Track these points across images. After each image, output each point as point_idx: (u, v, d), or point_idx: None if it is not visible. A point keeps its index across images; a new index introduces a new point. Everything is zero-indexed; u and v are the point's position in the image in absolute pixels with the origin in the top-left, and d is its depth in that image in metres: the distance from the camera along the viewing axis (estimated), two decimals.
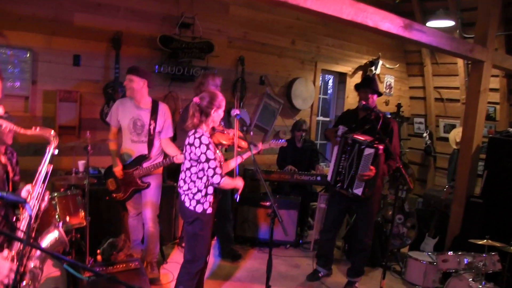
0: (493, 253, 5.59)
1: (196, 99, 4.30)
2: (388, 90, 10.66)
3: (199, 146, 4.15)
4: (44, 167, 3.17)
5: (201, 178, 4.24)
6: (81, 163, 5.98)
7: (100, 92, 6.50)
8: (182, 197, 4.38)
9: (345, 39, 9.60)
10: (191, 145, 4.21)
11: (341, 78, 10.01)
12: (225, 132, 4.75)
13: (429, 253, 6.28)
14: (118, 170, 5.49)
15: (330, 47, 9.37)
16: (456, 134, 9.06)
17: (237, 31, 7.91)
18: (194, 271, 4.43)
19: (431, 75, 10.39)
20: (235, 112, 4.64)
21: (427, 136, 10.44)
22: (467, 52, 6.17)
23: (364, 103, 5.58)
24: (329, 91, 10.55)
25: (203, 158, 4.15)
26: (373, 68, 9.94)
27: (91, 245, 5.31)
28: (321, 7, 4.24)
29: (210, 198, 4.31)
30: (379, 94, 5.82)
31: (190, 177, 4.29)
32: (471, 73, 6.81)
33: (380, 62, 10.03)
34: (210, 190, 4.30)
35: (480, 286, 5.27)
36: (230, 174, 4.52)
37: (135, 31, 6.74)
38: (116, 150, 5.57)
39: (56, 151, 3.22)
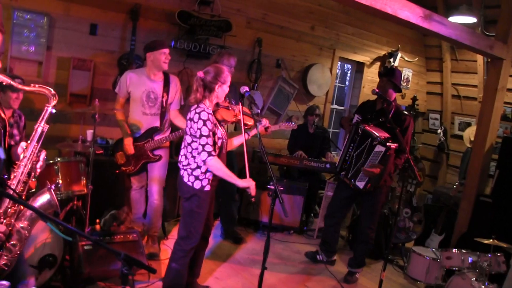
0: (498, 254, 5.53)
1: (200, 73, 4.22)
2: (405, 84, 10.54)
3: (197, 121, 4.07)
4: (40, 126, 3.13)
5: (199, 154, 4.15)
6: (89, 132, 5.97)
7: (114, 63, 6.48)
8: (181, 172, 4.32)
9: (365, 29, 9.49)
10: (191, 120, 4.14)
11: (358, 67, 9.91)
12: (230, 108, 4.62)
13: (434, 250, 6.22)
14: (129, 141, 5.43)
15: (350, 36, 9.27)
16: (470, 133, 8.94)
17: (257, 12, 7.84)
18: (188, 248, 4.35)
19: (450, 71, 10.24)
20: (244, 89, 4.57)
21: (441, 133, 10.33)
22: (487, 48, 6.08)
23: (377, 90, 5.48)
24: (347, 81, 10.45)
25: (197, 133, 4.08)
26: (391, 60, 9.83)
27: (93, 215, 5.32)
28: None
29: (209, 175, 4.23)
30: (398, 90, 5.70)
31: (191, 152, 4.21)
32: (490, 70, 6.72)
33: (399, 55, 9.90)
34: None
35: (483, 287, 5.21)
36: (242, 175, 4.36)
37: (154, 4, 6.69)
38: (124, 120, 5.52)
39: (54, 110, 3.16)
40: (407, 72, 10.49)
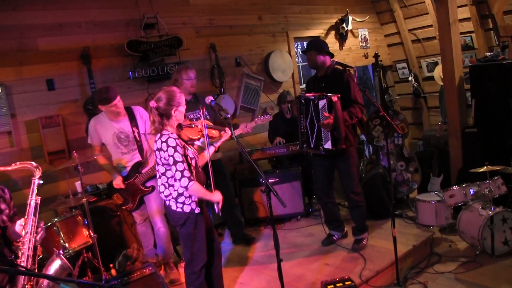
0: (496, 178, 5.66)
1: (152, 103, 4.16)
2: (364, 43, 10.64)
3: (167, 150, 4.02)
4: (33, 199, 3.19)
5: (179, 180, 4.10)
6: (77, 184, 6.00)
7: (81, 111, 6.48)
8: (167, 202, 4.28)
9: (311, 3, 9.55)
10: (159, 150, 4.08)
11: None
12: (194, 125, 4.54)
13: (436, 192, 6.33)
14: (118, 181, 5.51)
15: (298, 14, 9.34)
16: (440, 71, 9.04)
17: (202, 19, 7.88)
18: (197, 269, 4.33)
19: (403, 18, 10.35)
20: (209, 99, 4.62)
21: (413, 79, 10.45)
22: None
23: (336, 60, 5.61)
24: None
25: (171, 160, 4.02)
26: (344, 25, 9.92)
27: (106, 260, 5.40)
28: None
29: (194, 198, 4.20)
30: (327, 53, 5.83)
31: (167, 181, 4.19)
32: (437, 7, 6.84)
33: (350, 18, 9.98)
34: None
35: (490, 212, 5.35)
36: (209, 187, 4.40)
37: (101, 43, 6.71)
38: (107, 164, 5.61)
39: (41, 181, 3.24)
40: (363, 32, 10.59)
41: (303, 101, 5.67)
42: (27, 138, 6.12)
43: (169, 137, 4.06)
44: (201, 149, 4.81)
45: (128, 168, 5.57)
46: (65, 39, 6.41)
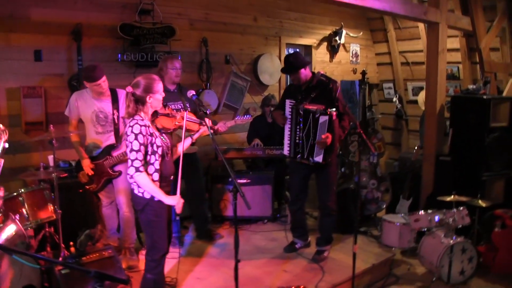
0: (461, 208, 5.76)
1: (128, 88, 4.13)
2: (354, 59, 10.75)
3: (129, 135, 4.00)
4: None
5: (128, 167, 4.05)
6: (50, 158, 6.00)
7: (65, 86, 6.48)
8: (131, 185, 4.24)
9: (307, 12, 9.63)
10: (126, 133, 4.08)
11: (306, 50, 10.01)
12: (171, 115, 4.50)
13: (403, 215, 6.41)
14: (86, 163, 5.52)
15: (293, 21, 9.41)
16: (424, 96, 9.17)
17: (198, 12, 7.92)
18: (158, 257, 4.31)
19: (395, 40, 10.50)
20: (191, 93, 4.64)
21: (397, 101, 10.57)
22: (422, 15, 6.32)
23: (322, 72, 5.69)
24: None
25: (128, 146, 3.99)
26: (337, 38, 10.02)
27: (69, 238, 5.40)
28: None
29: (156, 184, 4.14)
30: (304, 64, 5.81)
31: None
32: (428, 35, 6.96)
33: (344, 32, 10.08)
34: (156, 176, 4.16)
35: (452, 241, 5.45)
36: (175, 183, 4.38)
37: (95, 21, 6.72)
38: (78, 142, 5.61)
39: (7, 145, 3.24)
40: (355, 48, 10.71)
41: (301, 112, 5.67)
42: (6, 105, 6.12)
43: (136, 123, 4.03)
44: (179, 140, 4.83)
45: (101, 149, 5.58)
46: (58, 13, 6.40)
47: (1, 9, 5.96)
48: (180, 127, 4.45)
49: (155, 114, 4.34)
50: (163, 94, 4.30)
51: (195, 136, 4.65)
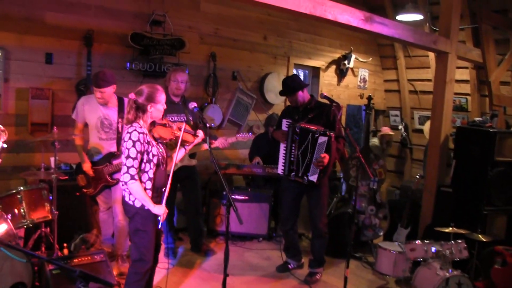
0: (459, 241, 5.69)
1: (131, 95, 4.16)
2: (362, 84, 10.75)
3: (127, 141, 4.01)
4: None
5: (122, 174, 4.04)
6: (52, 159, 6.01)
7: (72, 89, 6.56)
8: (123, 192, 4.26)
9: (317, 34, 9.68)
10: (123, 140, 4.08)
11: (314, 72, 10.05)
12: (168, 126, 4.47)
13: (399, 243, 6.35)
14: (87, 167, 5.55)
15: (302, 42, 9.44)
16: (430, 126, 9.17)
17: (209, 27, 7.97)
18: (143, 271, 4.25)
19: (404, 68, 10.50)
20: (192, 105, 4.64)
21: (403, 129, 10.56)
22: (431, 44, 6.29)
23: (325, 94, 5.69)
24: None
25: (125, 153, 4.00)
26: (346, 62, 10.03)
27: (64, 240, 5.46)
28: (278, 1, 4.31)
29: (148, 193, 4.14)
30: (300, 87, 5.86)
31: None
32: (437, 64, 6.93)
33: (353, 56, 10.11)
34: (148, 185, 4.15)
35: (447, 274, 5.36)
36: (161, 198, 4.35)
37: (106, 29, 6.80)
38: (81, 145, 5.65)
39: (5, 145, 3.26)
40: (363, 73, 10.71)
41: (297, 130, 5.70)
42: (14, 104, 6.21)
43: (134, 130, 4.04)
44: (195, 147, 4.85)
45: (102, 155, 5.60)
46: (72, 18, 6.50)
47: (18, 10, 6.08)
48: (176, 138, 4.41)
49: (152, 123, 4.34)
50: (165, 106, 4.32)
51: (189, 148, 4.64)
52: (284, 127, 5.86)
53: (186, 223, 6.75)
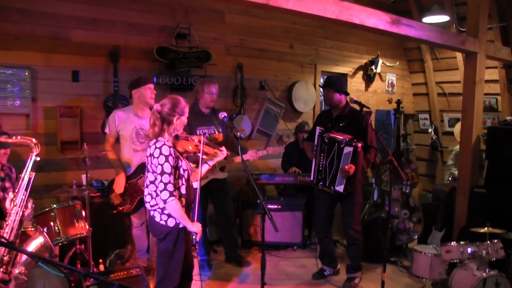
0: (495, 241, 5.62)
1: (157, 106, 4.04)
2: (390, 88, 10.70)
3: (158, 157, 3.88)
4: (27, 174, 3.25)
5: (160, 192, 3.92)
6: (83, 176, 6.07)
7: (100, 106, 6.62)
8: (151, 212, 4.11)
9: (343, 40, 9.67)
10: (151, 155, 3.94)
11: (342, 79, 9.99)
12: (190, 139, 4.41)
13: (434, 246, 6.30)
14: (121, 177, 5.56)
15: (329, 49, 9.45)
16: (460, 127, 9.09)
17: (234, 38, 8.01)
18: None
19: (432, 70, 10.43)
20: (222, 114, 4.66)
21: (433, 132, 10.48)
22: (459, 44, 6.24)
23: (355, 99, 5.66)
24: None
25: (159, 169, 3.87)
26: (373, 67, 10.00)
27: (98, 256, 5.48)
28: (304, 7, 4.32)
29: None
30: (343, 92, 5.88)
31: (155, 191, 3.98)
32: (466, 65, 6.87)
33: (380, 61, 10.07)
34: (182, 202, 4.04)
35: (485, 274, 5.30)
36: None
37: (132, 44, 6.86)
38: (116, 159, 5.64)
39: (38, 158, 3.30)
40: (391, 77, 10.66)
41: (326, 140, 5.68)
42: (43, 124, 6.25)
43: (164, 144, 3.93)
44: (225, 161, 4.83)
45: (133, 168, 5.63)
46: (97, 35, 6.57)
47: (43, 29, 6.16)
48: (198, 151, 4.36)
49: (176, 137, 4.25)
50: (187, 118, 4.24)
51: (212, 163, 4.58)
52: (317, 134, 5.84)
53: (220, 235, 6.76)
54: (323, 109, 9.75)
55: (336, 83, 5.90)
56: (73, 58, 6.42)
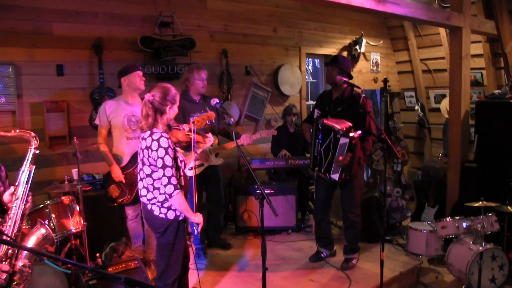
0: (490, 214, 5.66)
1: (148, 96, 3.90)
2: (375, 68, 10.70)
3: (157, 150, 3.76)
4: (27, 167, 3.22)
5: (164, 186, 3.83)
6: (74, 171, 6.00)
7: (87, 99, 6.53)
8: (148, 206, 4.00)
9: (327, 21, 9.63)
10: (148, 148, 3.81)
11: (326, 60, 9.95)
12: (181, 128, 4.35)
13: (429, 222, 6.33)
14: (116, 169, 5.49)
15: (312, 31, 9.41)
16: (446, 104, 9.07)
17: (218, 24, 7.95)
18: (170, 281, 4.05)
19: (416, 48, 10.43)
20: (214, 101, 4.63)
21: (419, 109, 10.51)
22: (444, 20, 6.25)
23: (345, 79, 5.60)
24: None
25: (159, 163, 3.77)
26: (357, 47, 9.99)
27: (93, 250, 5.42)
28: None
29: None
30: (347, 75, 5.76)
31: (152, 184, 3.89)
32: (451, 40, 6.89)
33: (364, 41, 10.05)
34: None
35: (481, 248, 5.34)
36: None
37: (115, 35, 6.78)
38: (107, 151, 5.56)
39: (37, 151, 3.27)
40: (375, 56, 10.65)
41: (320, 127, 5.58)
42: (30, 120, 6.16)
43: (161, 136, 3.82)
44: (205, 154, 4.78)
45: (127, 158, 5.56)
46: (80, 27, 6.46)
47: (24, 24, 6.04)
48: (190, 140, 4.32)
49: (168, 127, 4.18)
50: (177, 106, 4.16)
51: (200, 151, 4.56)
52: (314, 118, 5.77)
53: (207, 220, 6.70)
54: (309, 92, 9.74)
55: (342, 62, 5.79)
56: (57, 52, 6.31)
